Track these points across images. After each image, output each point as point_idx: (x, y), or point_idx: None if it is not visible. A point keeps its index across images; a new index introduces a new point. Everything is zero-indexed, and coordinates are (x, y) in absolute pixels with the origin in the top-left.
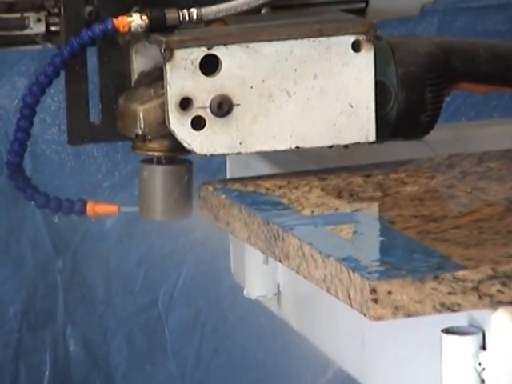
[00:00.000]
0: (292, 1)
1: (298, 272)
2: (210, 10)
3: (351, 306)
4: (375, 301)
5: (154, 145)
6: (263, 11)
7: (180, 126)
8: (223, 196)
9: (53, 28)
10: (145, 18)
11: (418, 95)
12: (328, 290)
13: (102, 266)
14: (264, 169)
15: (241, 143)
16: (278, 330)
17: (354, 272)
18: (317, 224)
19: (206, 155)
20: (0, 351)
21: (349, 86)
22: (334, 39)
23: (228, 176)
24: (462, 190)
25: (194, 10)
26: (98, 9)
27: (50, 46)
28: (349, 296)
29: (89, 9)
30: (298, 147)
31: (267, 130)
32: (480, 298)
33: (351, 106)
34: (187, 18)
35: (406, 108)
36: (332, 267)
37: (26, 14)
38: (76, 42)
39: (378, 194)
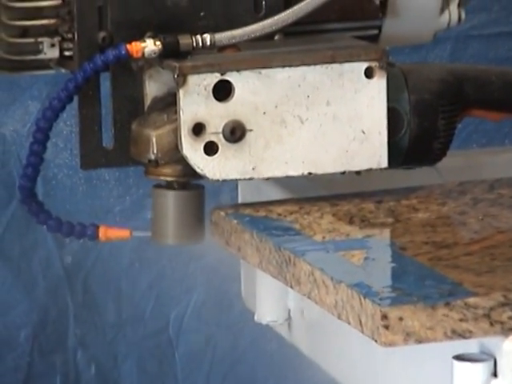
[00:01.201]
0: (305, 27)
1: (309, 297)
2: (223, 36)
3: (362, 332)
4: (386, 327)
5: (166, 170)
6: (276, 37)
7: (193, 152)
8: (235, 221)
9: (66, 53)
10: (158, 43)
11: (431, 122)
12: (339, 316)
13: (113, 290)
14: (275, 194)
15: (253, 169)
16: (288, 355)
17: (365, 298)
18: (328, 250)
19: (218, 180)
20: (11, 375)
21: (361, 113)
22: (346, 66)
23: (240, 201)
24: (474, 216)
25: (207, 36)
26: (111, 34)
27: (63, 70)
28: (360, 322)
29: (102, 34)
30: (310, 173)
31: (280, 155)
32: (491, 324)
33: (364, 133)
34: (200, 43)
35: (418, 135)
36: (343, 293)
37: (40, 39)
38: (89, 67)
39: (390, 220)
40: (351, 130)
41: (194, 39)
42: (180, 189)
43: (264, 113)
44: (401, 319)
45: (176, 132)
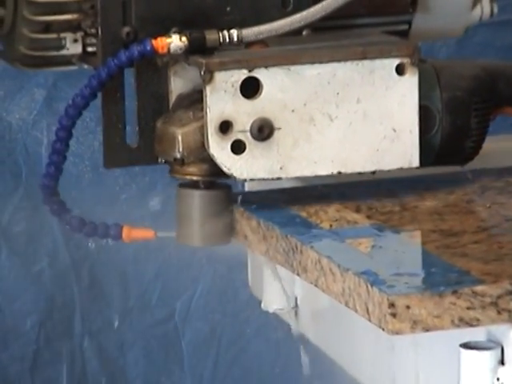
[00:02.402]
0: (334, 22)
1: (316, 285)
2: (250, 32)
3: (369, 320)
4: (393, 315)
5: (192, 169)
6: (304, 33)
7: (219, 150)
8: (241, 209)
9: (89, 49)
10: (184, 39)
11: (463, 120)
12: (346, 304)
13: (119, 278)
14: (282, 182)
15: (281, 168)
16: (294, 343)
17: (372, 286)
18: (335, 238)
19: (245, 180)
20: (17, 363)
21: (392, 110)
22: (377, 62)
23: (246, 189)
24: (482, 204)
25: (234, 32)
26: (136, 29)
27: (86, 66)
28: (367, 310)
29: (127, 29)
30: (339, 172)
31: (308, 154)
32: (499, 312)
33: (395, 131)
34: (227, 39)
35: (450, 133)
36: (350, 281)
37: (62, 35)
38: (113, 63)
39: (397, 208)
40: (382, 128)
41: (220, 35)
42: (206, 188)
43: (292, 110)
44: (408, 307)
45: (202, 130)
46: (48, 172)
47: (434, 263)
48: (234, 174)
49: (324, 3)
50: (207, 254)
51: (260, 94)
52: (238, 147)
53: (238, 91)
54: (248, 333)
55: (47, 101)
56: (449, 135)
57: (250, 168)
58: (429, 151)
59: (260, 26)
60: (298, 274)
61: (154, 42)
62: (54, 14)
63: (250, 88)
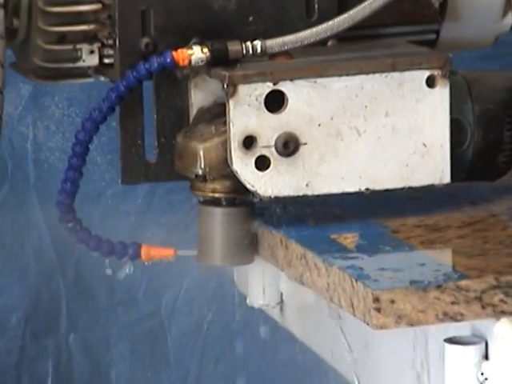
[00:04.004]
0: (360, 32)
1: (301, 280)
2: (274, 43)
3: (354, 314)
4: (378, 310)
5: (214, 185)
6: (329, 43)
7: (243, 166)
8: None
9: (106, 60)
10: (206, 50)
11: (496, 134)
12: (331, 299)
13: (105, 274)
14: None
15: (307, 185)
16: (280, 338)
17: (357, 281)
18: (320, 233)
19: (270, 197)
20: (3, 358)
21: (422, 124)
22: (407, 74)
23: None
24: (466, 199)
25: (257, 43)
26: (155, 40)
27: (103, 79)
28: (352, 305)
29: (146, 40)
30: (367, 189)
31: (335, 170)
32: (483, 307)
33: (425, 146)
34: (251, 50)
35: (482, 147)
36: (335, 276)
37: (78, 46)
38: (133, 75)
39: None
40: (411, 142)
41: (243, 46)
42: (228, 206)
43: (319, 125)
44: (392, 302)
45: (225, 145)
46: (64, 188)
47: (418, 258)
48: (258, 192)
49: (351, 12)
50: (193, 249)
51: (285, 108)
52: (262, 163)
53: (263, 105)
54: (234, 328)
55: (33, 96)
56: (481, 150)
57: (274, 185)
58: (460, 166)
59: (284, 37)
60: (282, 269)
61: (174, 53)
62: (70, 24)
63: (275, 101)
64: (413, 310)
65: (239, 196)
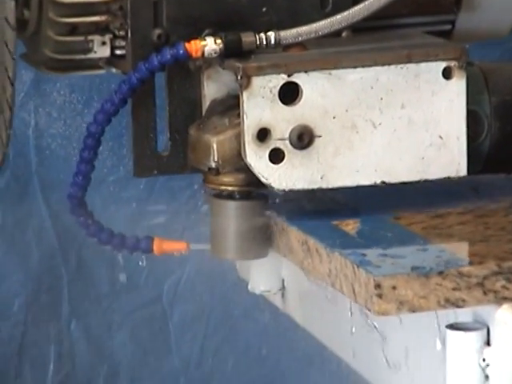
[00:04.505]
0: (374, 23)
1: (302, 267)
2: (288, 34)
3: (356, 300)
4: (380, 296)
5: (227, 178)
6: (344, 34)
7: (257, 159)
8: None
9: (118, 52)
10: (219, 42)
11: None
12: (333, 285)
13: (107, 260)
14: None
15: (322, 178)
16: (282, 325)
17: (358, 267)
18: (322, 219)
19: (284, 190)
20: (4, 344)
21: (439, 116)
22: (423, 66)
23: None
24: (468, 186)
25: (271, 34)
26: (167, 31)
27: (114, 70)
28: (353, 291)
29: (158, 31)
30: (383, 182)
31: (350, 163)
32: (485, 293)
33: (441, 138)
34: (264, 42)
35: (499, 139)
36: (337, 262)
37: (89, 37)
38: (145, 67)
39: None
40: (428, 135)
41: (257, 37)
42: (242, 199)
43: (334, 117)
44: (394, 288)
45: (238, 138)
46: (75, 182)
47: (420, 244)
48: (272, 185)
49: (366, 3)
50: (195, 235)
51: (299, 100)
52: (276, 156)
53: (277, 97)
54: (236, 314)
55: (34, 82)
56: (498, 141)
57: (288, 178)
58: (477, 159)
59: (299, 28)
60: (284, 255)
61: (187, 45)
62: (81, 15)
63: (289, 94)
64: (414, 296)
65: (253, 189)
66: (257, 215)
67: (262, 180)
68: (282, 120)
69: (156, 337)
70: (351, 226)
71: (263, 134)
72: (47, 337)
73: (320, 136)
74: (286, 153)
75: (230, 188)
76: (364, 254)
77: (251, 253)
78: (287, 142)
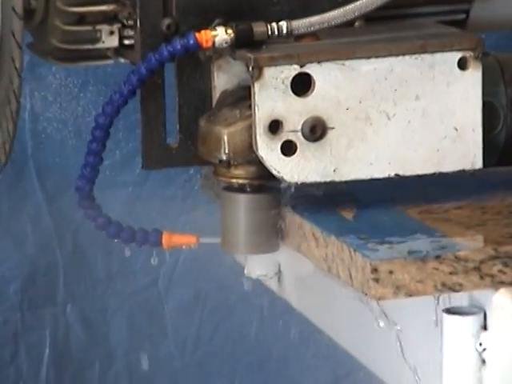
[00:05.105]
0: (388, 12)
1: (298, 251)
2: (301, 24)
3: (352, 285)
4: (376, 280)
5: (238, 171)
6: (356, 24)
7: (269, 152)
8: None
9: (127, 42)
10: (230, 32)
11: None
12: (329, 270)
13: (103, 244)
14: None
15: (335, 170)
16: (278, 309)
17: (355, 251)
18: (318, 202)
19: (296, 184)
20: (0, 329)
21: (454, 108)
22: (438, 56)
23: None
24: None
25: (283, 24)
26: (177, 21)
27: (123, 61)
28: (350, 275)
29: (167, 21)
30: (397, 175)
31: (364, 155)
32: (481, 278)
33: (456, 130)
34: (276, 32)
35: None
36: (333, 246)
37: (97, 27)
38: (154, 58)
39: None
40: (443, 126)
41: (269, 27)
42: (253, 192)
43: (347, 108)
44: (391, 272)
45: (250, 130)
46: (83, 174)
47: (416, 229)
48: (284, 178)
49: None
50: (191, 219)
51: (312, 91)
52: (288, 148)
53: (289, 88)
54: (232, 299)
55: (30, 66)
56: None
57: (301, 171)
58: (492, 151)
59: (311, 18)
60: (280, 239)
61: (197, 35)
62: (89, 4)
63: (302, 85)
64: (411, 281)
65: (264, 182)
66: (268, 209)
67: (274, 173)
68: (295, 112)
69: (152, 321)
70: (348, 210)
71: (275, 126)
72: (43, 321)
73: (333, 128)
74: (298, 145)
75: (240, 181)
76: (361, 239)
77: (262, 247)
78: (299, 134)
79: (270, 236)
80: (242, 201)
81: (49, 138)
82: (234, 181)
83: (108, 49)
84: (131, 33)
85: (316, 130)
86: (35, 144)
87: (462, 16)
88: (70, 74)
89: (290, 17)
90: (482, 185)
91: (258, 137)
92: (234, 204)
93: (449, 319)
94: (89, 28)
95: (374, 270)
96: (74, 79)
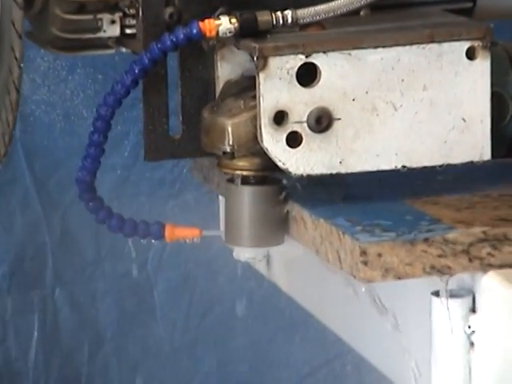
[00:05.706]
0: (394, 0)
1: (287, 233)
2: (306, 13)
3: (341, 268)
4: (365, 263)
5: (242, 163)
6: (362, 13)
7: (274, 143)
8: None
9: (128, 31)
10: (234, 21)
11: None
12: (318, 252)
13: (91, 227)
14: None
15: (341, 162)
16: (267, 292)
17: (344, 234)
18: (307, 185)
19: (302, 175)
20: None
21: (462, 98)
22: (446, 46)
23: None
24: None
25: (288, 13)
26: (180, 10)
27: (124, 50)
28: (339, 258)
29: (170, 10)
30: (404, 166)
31: (370, 147)
32: (470, 260)
33: (464, 121)
34: (281, 21)
35: None
36: (322, 229)
37: (98, 16)
38: (157, 47)
39: None
40: (450, 117)
41: (273, 16)
42: (257, 184)
43: (353, 99)
44: (380, 255)
45: (254, 121)
46: (84, 166)
47: (405, 211)
48: (290, 169)
49: None
50: (180, 202)
51: (318, 82)
52: (293, 139)
53: (294, 78)
54: (220, 282)
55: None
56: None
57: (306, 162)
58: (501, 142)
59: (316, 7)
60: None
61: (201, 24)
62: None
63: (307, 75)
64: (400, 263)
65: (269, 174)
66: (273, 201)
67: (279, 165)
68: (300, 102)
69: (141, 304)
70: (337, 193)
71: (280, 117)
72: (31, 304)
73: (339, 119)
74: (303, 136)
75: (245, 173)
76: (349, 221)
77: (267, 240)
78: (305, 125)
79: (275, 228)
80: (247, 193)
81: (37, 120)
82: (238, 172)
83: (109, 38)
84: (133, 22)
85: (322, 121)
86: (23, 127)
87: (469, 4)
88: (58, 56)
89: (295, 5)
90: (471, 167)
91: (262, 128)
92: (238, 196)
93: (437, 302)
94: (89, 17)
95: (363, 253)
96: (62, 62)
